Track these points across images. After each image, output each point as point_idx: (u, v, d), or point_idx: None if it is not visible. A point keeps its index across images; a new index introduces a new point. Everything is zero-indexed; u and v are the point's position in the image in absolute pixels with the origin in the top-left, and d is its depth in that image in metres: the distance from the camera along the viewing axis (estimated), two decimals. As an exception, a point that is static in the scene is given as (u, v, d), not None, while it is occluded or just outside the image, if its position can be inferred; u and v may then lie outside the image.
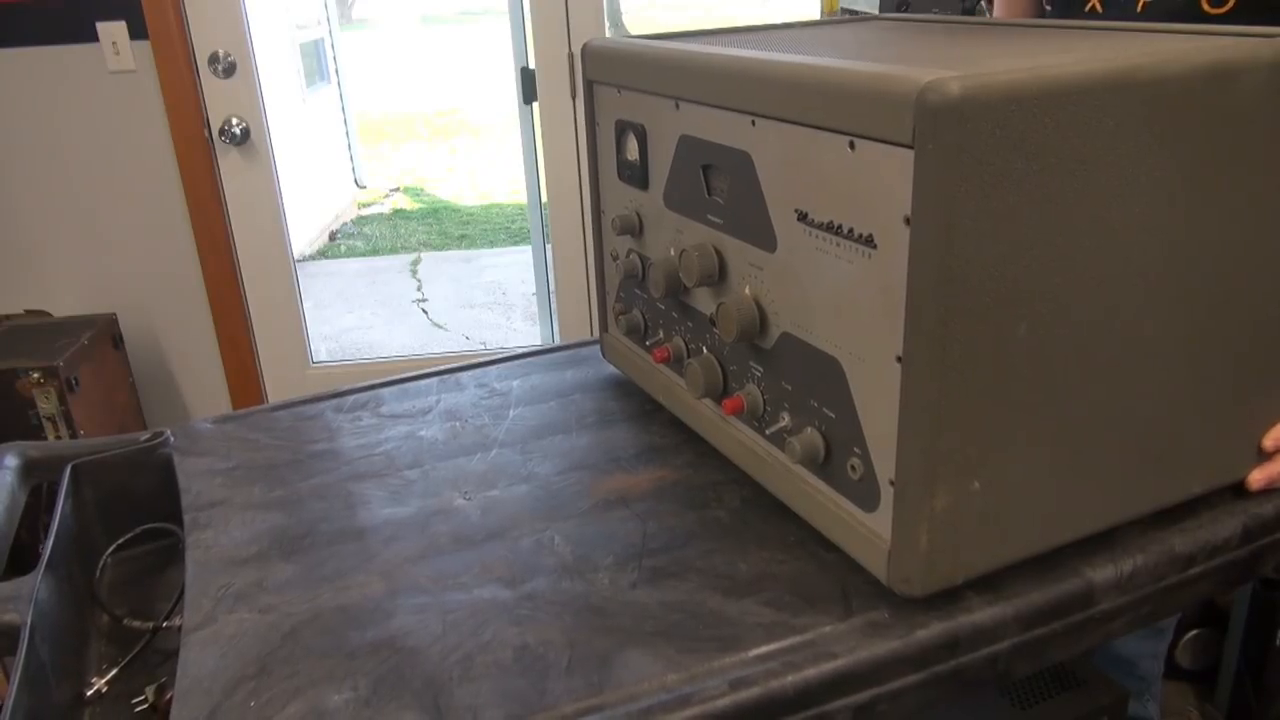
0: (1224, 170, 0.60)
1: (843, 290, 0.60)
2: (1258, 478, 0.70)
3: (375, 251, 5.52)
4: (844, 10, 2.53)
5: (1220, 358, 0.65)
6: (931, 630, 0.60)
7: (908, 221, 0.53)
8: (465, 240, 5.63)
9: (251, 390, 2.71)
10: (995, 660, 0.62)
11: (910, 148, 0.52)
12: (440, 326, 4.28)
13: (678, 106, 0.74)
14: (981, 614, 0.61)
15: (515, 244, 5.44)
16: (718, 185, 0.71)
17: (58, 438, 2.16)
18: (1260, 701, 0.80)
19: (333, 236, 5.76)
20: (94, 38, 2.33)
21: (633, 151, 0.81)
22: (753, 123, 0.65)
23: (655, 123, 0.78)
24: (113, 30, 2.32)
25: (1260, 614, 0.79)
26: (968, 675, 0.61)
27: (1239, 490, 0.71)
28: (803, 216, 0.62)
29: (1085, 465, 0.62)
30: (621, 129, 0.82)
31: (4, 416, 2.13)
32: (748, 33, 0.85)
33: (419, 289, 4.78)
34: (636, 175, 0.81)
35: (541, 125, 2.57)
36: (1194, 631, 1.80)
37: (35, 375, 2.11)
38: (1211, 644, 1.81)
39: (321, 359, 2.86)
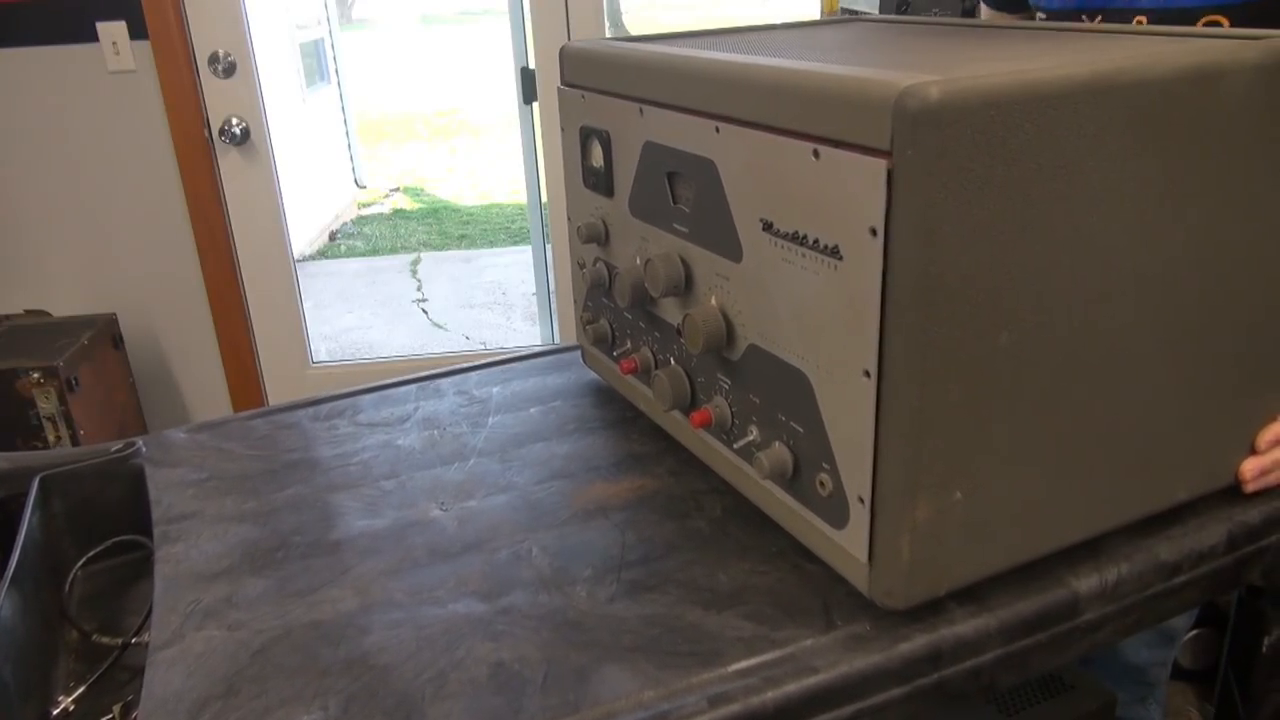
0: (1208, 173, 0.59)
1: (809, 302, 0.59)
2: (1250, 467, 0.69)
3: (375, 251, 5.52)
4: (844, 10, 2.52)
5: (1206, 362, 0.64)
6: (914, 643, 0.59)
7: (874, 232, 0.52)
8: (465, 240, 5.63)
9: (251, 390, 2.71)
10: (979, 672, 0.61)
11: (879, 156, 0.51)
12: (440, 326, 4.28)
13: (642, 112, 0.72)
14: (965, 625, 0.60)
15: (515, 244, 5.44)
16: (683, 193, 0.70)
17: (57, 438, 2.17)
18: (1247, 707, 0.79)
19: (333, 236, 5.77)
20: (94, 38, 2.33)
21: (597, 158, 0.80)
22: (717, 129, 0.64)
23: (620, 129, 0.77)
24: (113, 30, 2.33)
25: (1247, 620, 0.78)
26: (951, 688, 0.60)
27: (1224, 496, 0.70)
28: (768, 226, 0.61)
29: (1069, 473, 0.61)
30: (586, 135, 0.81)
31: (4, 416, 2.13)
32: (732, 34, 0.84)
33: (419, 289, 4.78)
34: (601, 182, 0.80)
35: (541, 125, 2.56)
36: (1194, 632, 1.79)
37: (35, 375, 2.11)
38: (1211, 644, 1.80)
39: (321, 359, 2.85)
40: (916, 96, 0.49)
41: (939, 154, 0.49)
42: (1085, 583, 0.63)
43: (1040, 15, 1.19)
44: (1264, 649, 0.77)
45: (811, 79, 0.56)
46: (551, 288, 2.78)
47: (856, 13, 2.07)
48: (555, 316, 2.80)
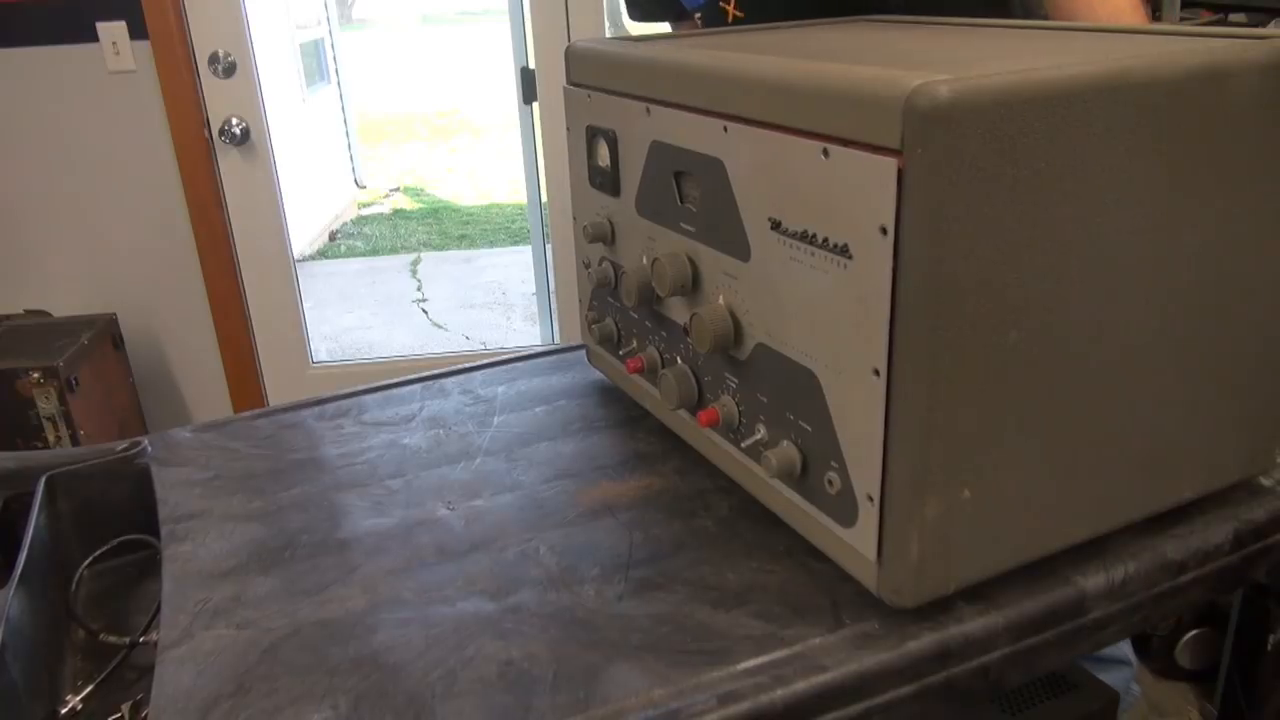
0: (1216, 173, 0.59)
1: (818, 301, 0.59)
2: None
3: (375, 251, 5.53)
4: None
5: (1213, 360, 0.64)
6: (922, 641, 0.59)
7: (884, 231, 0.52)
8: (465, 240, 5.64)
9: (251, 390, 2.71)
10: (987, 670, 0.61)
11: (890, 155, 0.51)
12: (440, 326, 4.28)
13: (649, 111, 0.72)
14: (973, 624, 0.60)
15: (515, 244, 5.44)
16: (690, 193, 0.70)
17: (57, 438, 2.17)
18: (1251, 706, 0.79)
19: (333, 236, 5.77)
20: (94, 38, 2.34)
21: (603, 157, 0.80)
22: (725, 128, 0.64)
23: (626, 128, 0.77)
24: (113, 30, 2.33)
25: (1252, 618, 0.78)
26: (959, 686, 0.60)
27: (1230, 495, 0.70)
28: (776, 225, 0.61)
29: (1077, 471, 0.61)
30: (592, 134, 0.81)
31: (4, 416, 2.13)
32: (737, 34, 0.84)
33: (419, 289, 4.79)
34: (608, 182, 0.80)
35: (541, 125, 2.57)
36: (1194, 631, 1.80)
37: (35, 375, 2.11)
38: (1211, 644, 1.80)
39: (322, 359, 2.86)
40: (927, 95, 0.49)
41: (949, 153, 0.49)
42: (1092, 581, 0.63)
43: (697, 17, 1.19)
44: (1269, 647, 0.77)
45: (821, 78, 0.56)
46: (551, 288, 2.79)
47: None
48: (555, 316, 2.81)
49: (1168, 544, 0.66)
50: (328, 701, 0.56)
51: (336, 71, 6.41)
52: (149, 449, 0.85)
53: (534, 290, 3.63)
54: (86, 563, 0.78)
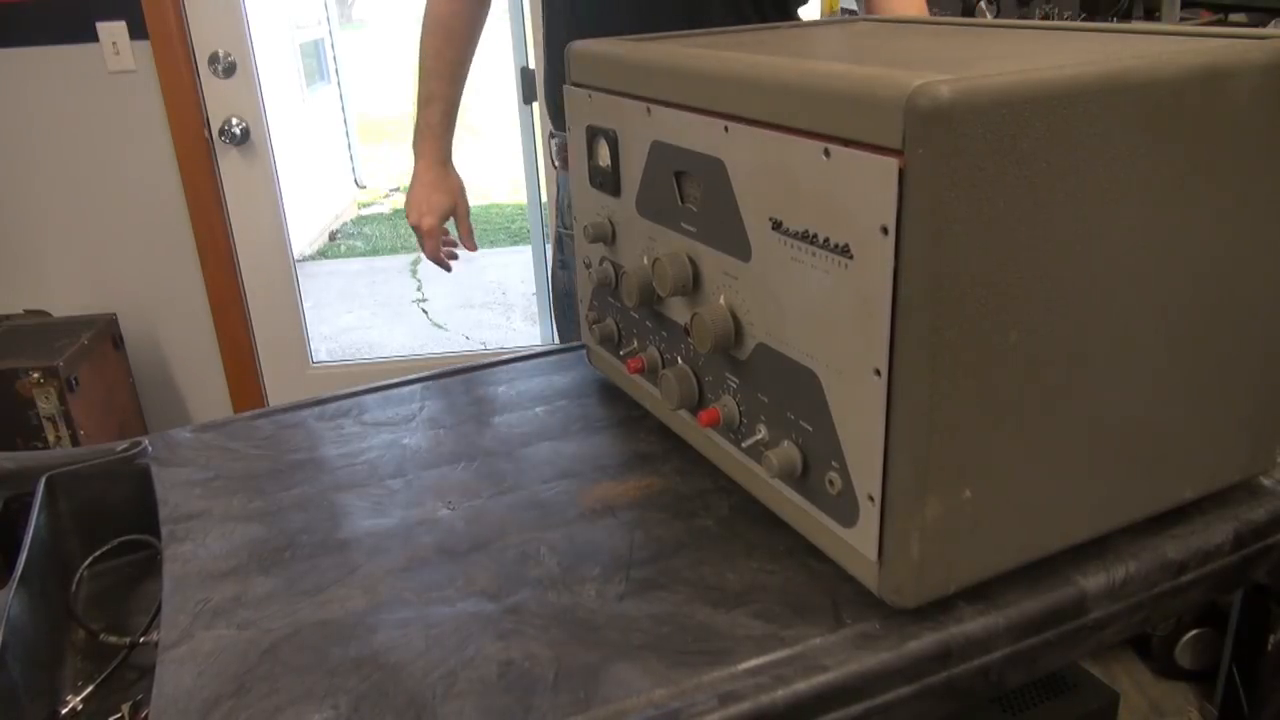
0: (1215, 173, 0.59)
1: (819, 301, 0.59)
2: None
3: (375, 251, 5.52)
4: (844, 11, 2.53)
5: (1213, 361, 0.64)
6: (923, 641, 0.59)
7: (885, 231, 0.52)
8: (466, 239, 5.62)
9: (251, 390, 2.71)
10: (987, 671, 0.61)
11: (891, 155, 0.51)
12: (440, 326, 4.28)
13: (649, 111, 0.72)
14: (973, 624, 0.60)
15: (515, 244, 5.44)
16: (691, 193, 0.70)
17: (57, 438, 2.17)
18: (1252, 706, 0.79)
19: (333, 236, 5.76)
20: (94, 38, 2.34)
21: (604, 158, 0.80)
22: (725, 129, 0.64)
23: (627, 128, 0.77)
24: (113, 30, 2.33)
25: (1252, 618, 0.79)
26: (960, 686, 0.60)
27: (1230, 495, 0.70)
28: (777, 225, 0.61)
29: (1078, 471, 0.61)
30: (592, 134, 0.81)
31: (4, 416, 2.13)
32: (738, 34, 0.84)
33: (419, 289, 4.78)
34: (608, 182, 0.80)
35: (541, 125, 2.56)
36: (1194, 631, 1.80)
37: (35, 375, 2.11)
38: (1211, 644, 1.80)
39: (321, 359, 2.86)
40: (928, 95, 0.49)
41: (950, 153, 0.49)
42: (1093, 581, 0.63)
43: None
44: (1269, 647, 0.77)
45: (822, 78, 0.56)
46: (552, 288, 2.78)
47: (856, 13, 2.07)
48: (555, 316, 2.80)
49: (1168, 544, 0.66)
50: (329, 702, 0.56)
51: (336, 71, 6.40)
52: (149, 449, 0.85)
53: (534, 290, 3.63)
54: (86, 563, 0.78)
